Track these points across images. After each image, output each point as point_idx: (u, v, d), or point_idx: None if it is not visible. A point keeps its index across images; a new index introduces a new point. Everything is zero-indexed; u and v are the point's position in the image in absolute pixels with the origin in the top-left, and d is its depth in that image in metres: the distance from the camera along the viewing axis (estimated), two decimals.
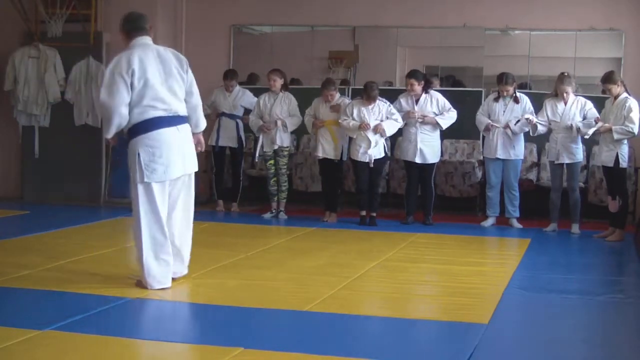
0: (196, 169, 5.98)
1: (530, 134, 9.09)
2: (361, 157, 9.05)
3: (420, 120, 9.17)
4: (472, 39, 10.64)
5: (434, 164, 9.36)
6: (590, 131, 8.58)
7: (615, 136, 8.29)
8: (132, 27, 5.88)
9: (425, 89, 9.24)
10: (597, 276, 6.94)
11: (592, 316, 5.67)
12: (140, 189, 5.72)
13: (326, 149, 9.31)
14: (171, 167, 5.73)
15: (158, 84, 5.72)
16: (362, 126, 8.94)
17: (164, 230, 5.76)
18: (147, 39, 5.87)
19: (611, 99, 8.53)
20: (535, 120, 8.89)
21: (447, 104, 9.24)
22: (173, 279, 5.92)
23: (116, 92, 5.64)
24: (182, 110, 5.86)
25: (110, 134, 5.81)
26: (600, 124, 8.48)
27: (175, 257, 5.92)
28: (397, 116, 9.09)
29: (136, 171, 5.69)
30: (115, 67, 5.69)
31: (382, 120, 9.02)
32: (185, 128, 5.87)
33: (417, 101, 9.24)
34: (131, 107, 5.69)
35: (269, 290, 5.92)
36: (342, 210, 9.63)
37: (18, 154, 10.88)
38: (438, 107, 9.22)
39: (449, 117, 9.24)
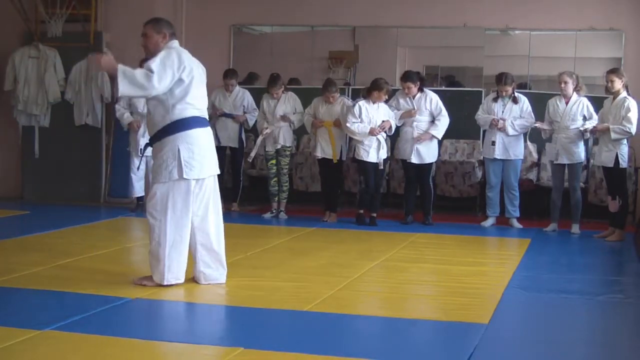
0: (219, 172, 6.12)
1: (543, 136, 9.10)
2: (371, 157, 9.03)
3: (420, 138, 9.15)
4: (472, 39, 10.65)
5: (431, 163, 9.36)
6: (587, 134, 8.64)
7: (613, 135, 8.29)
8: (172, 31, 5.99)
9: (421, 88, 9.25)
10: (597, 276, 6.94)
11: (592, 316, 5.67)
12: (174, 185, 5.76)
13: (325, 149, 9.31)
14: (205, 166, 5.86)
15: (200, 84, 5.91)
16: (374, 132, 8.92)
17: (188, 228, 5.84)
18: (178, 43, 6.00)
19: (610, 99, 8.53)
20: (540, 126, 8.87)
21: (440, 106, 9.22)
22: (210, 284, 6.00)
23: (163, 80, 5.62)
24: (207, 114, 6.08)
25: (121, 93, 5.67)
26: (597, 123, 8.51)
27: (216, 263, 6.01)
28: (393, 115, 9.13)
29: (174, 167, 5.76)
30: (167, 59, 5.67)
31: (383, 120, 9.05)
32: (211, 131, 6.06)
33: (413, 98, 9.26)
34: (173, 102, 5.76)
35: (269, 290, 5.92)
36: (342, 210, 9.63)
37: (18, 154, 10.88)
38: (432, 108, 9.22)
39: (442, 125, 9.22)
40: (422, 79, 9.41)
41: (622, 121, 8.27)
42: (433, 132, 9.20)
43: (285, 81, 9.70)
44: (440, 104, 9.24)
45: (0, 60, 10.58)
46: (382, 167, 9.10)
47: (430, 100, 9.25)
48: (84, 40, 10.45)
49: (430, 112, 9.24)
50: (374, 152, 9.03)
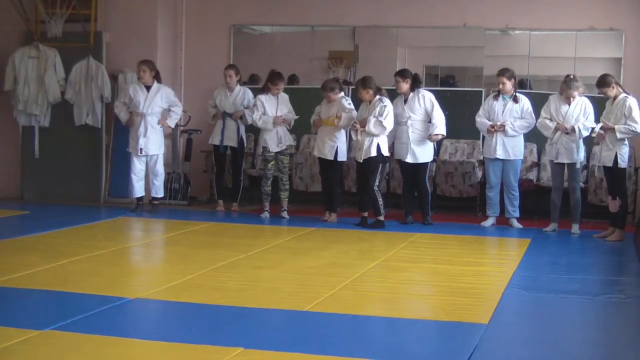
0: None
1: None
2: (359, 154, 9.05)
3: (431, 139, 9.19)
4: (472, 39, 10.64)
5: (426, 163, 9.33)
6: (585, 132, 8.63)
7: (619, 135, 8.28)
8: None
9: (413, 88, 9.23)
10: (597, 276, 6.94)
11: (592, 316, 5.67)
12: None
13: (320, 148, 9.32)
14: None
15: None
16: (355, 127, 8.94)
17: None
18: None
19: (610, 100, 8.55)
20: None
21: (432, 103, 9.18)
22: None
23: None
24: None
25: None
26: (600, 124, 8.48)
27: None
28: (384, 118, 9.06)
29: None
30: None
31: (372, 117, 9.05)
32: None
33: (405, 100, 9.25)
34: None
35: (269, 290, 5.92)
36: (342, 210, 9.63)
37: (18, 154, 10.88)
38: (426, 106, 9.20)
39: (439, 122, 9.14)
40: (414, 78, 9.30)
41: (626, 121, 8.26)
42: (436, 132, 9.17)
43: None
44: (434, 101, 9.18)
45: (0, 60, 10.57)
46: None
47: (423, 98, 9.22)
48: (84, 40, 10.46)
49: (424, 110, 9.21)
50: (365, 149, 8.97)
